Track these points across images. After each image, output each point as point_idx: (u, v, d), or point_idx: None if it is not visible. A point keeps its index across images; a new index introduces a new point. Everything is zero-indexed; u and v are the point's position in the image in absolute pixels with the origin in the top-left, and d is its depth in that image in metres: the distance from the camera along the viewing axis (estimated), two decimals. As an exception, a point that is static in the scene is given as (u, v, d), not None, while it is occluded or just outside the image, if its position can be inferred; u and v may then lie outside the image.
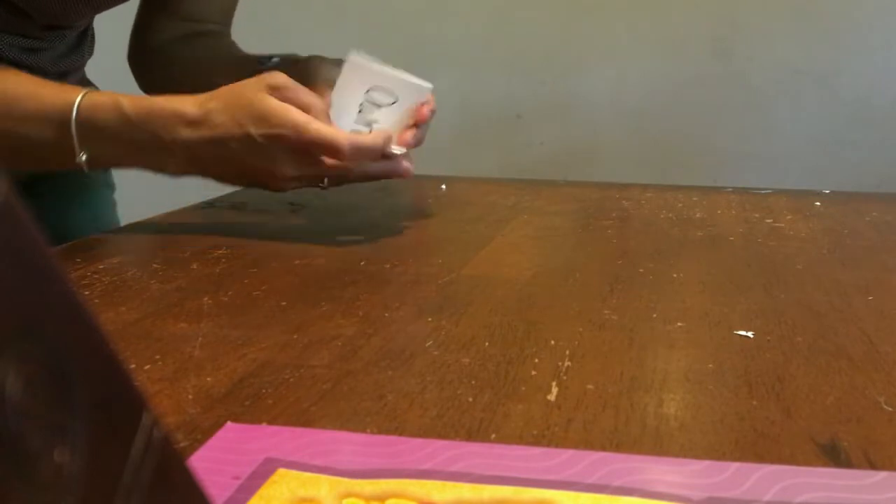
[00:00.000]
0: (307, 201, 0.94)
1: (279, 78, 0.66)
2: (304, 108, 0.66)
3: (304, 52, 0.85)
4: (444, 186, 1.01)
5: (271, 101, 0.65)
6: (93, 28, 0.89)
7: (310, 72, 0.77)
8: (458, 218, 0.86)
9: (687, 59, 2.03)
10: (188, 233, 0.78)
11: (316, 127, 0.64)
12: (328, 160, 0.67)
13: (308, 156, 0.67)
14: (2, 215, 0.16)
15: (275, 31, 1.89)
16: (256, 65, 0.82)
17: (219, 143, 0.65)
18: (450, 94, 2.16)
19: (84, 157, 0.65)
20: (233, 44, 0.94)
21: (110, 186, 0.99)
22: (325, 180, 0.71)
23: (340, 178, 0.71)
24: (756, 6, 1.98)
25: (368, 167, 0.70)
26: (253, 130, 0.65)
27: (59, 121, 0.64)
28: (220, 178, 0.71)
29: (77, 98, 0.64)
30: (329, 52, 0.85)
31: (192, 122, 0.65)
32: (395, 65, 0.78)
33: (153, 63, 0.91)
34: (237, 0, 0.94)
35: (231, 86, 0.67)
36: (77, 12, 0.76)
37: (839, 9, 1.94)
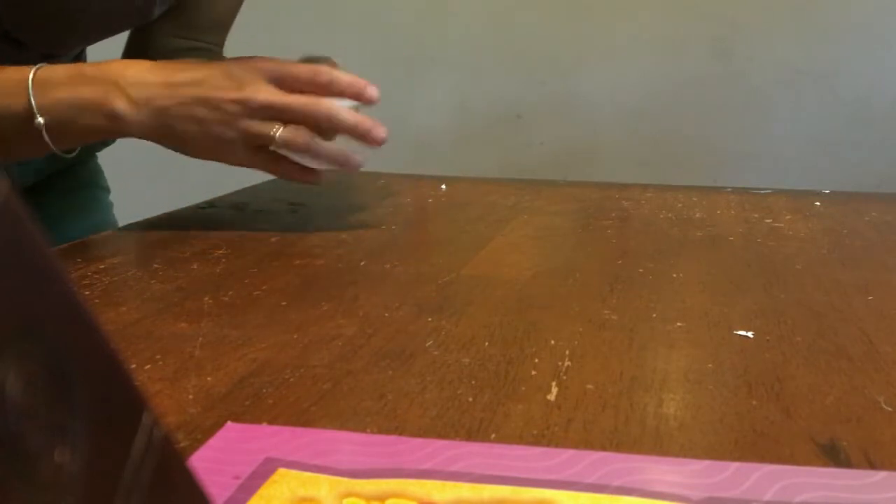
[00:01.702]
0: (307, 201, 0.94)
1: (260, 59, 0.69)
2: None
3: (302, 53, 0.85)
4: (444, 186, 1.01)
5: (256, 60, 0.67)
6: (85, 54, 0.89)
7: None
8: (458, 218, 0.86)
9: (687, 59, 2.03)
10: (188, 233, 0.78)
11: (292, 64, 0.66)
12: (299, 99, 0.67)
13: (281, 86, 0.67)
14: (2, 215, 0.16)
15: (274, 32, 1.89)
16: None
17: (185, 85, 0.65)
18: (450, 94, 2.16)
19: (41, 121, 0.64)
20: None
21: (105, 189, 0.98)
22: (278, 133, 0.68)
23: (293, 138, 0.69)
24: (756, 6, 1.98)
25: (327, 148, 0.71)
26: (231, 64, 0.66)
27: (18, 86, 0.64)
28: (173, 127, 0.68)
29: (36, 67, 0.65)
30: (328, 54, 0.85)
31: (157, 67, 0.66)
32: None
33: None
34: (231, 20, 0.93)
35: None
36: (72, 43, 0.76)
37: (839, 9, 1.95)
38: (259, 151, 0.71)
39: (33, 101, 0.64)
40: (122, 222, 0.85)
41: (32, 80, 0.64)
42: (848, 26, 1.95)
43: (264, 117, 0.68)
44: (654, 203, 0.92)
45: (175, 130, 0.68)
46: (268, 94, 0.67)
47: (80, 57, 0.86)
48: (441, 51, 2.14)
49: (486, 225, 0.82)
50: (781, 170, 2.01)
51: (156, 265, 0.66)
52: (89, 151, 0.93)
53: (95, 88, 0.65)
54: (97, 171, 0.97)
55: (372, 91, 0.72)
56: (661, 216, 0.85)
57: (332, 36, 2.10)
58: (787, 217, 0.85)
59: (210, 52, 0.94)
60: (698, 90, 2.03)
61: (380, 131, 0.72)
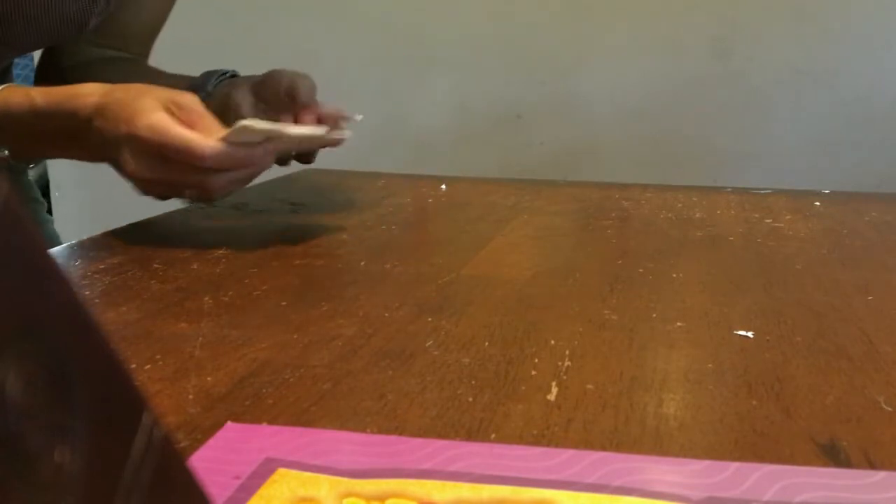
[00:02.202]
0: (307, 201, 0.94)
1: (186, 98, 0.64)
2: (197, 129, 0.63)
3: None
4: (444, 186, 1.01)
5: (149, 105, 0.61)
6: (12, 65, 0.88)
7: (282, 82, 0.74)
8: (458, 218, 0.86)
9: (687, 59, 2.03)
10: (188, 233, 0.78)
11: (176, 131, 0.61)
12: (189, 169, 0.63)
13: (164, 161, 0.62)
14: (2, 215, 0.16)
15: (275, 32, 1.89)
16: (186, 83, 0.79)
17: (103, 136, 0.63)
18: (450, 94, 2.16)
19: (6, 152, 0.66)
20: (155, 68, 0.90)
21: (41, 202, 0.98)
22: (187, 193, 0.66)
23: (202, 194, 0.66)
24: (756, 6, 1.98)
25: (232, 177, 0.65)
26: (121, 129, 0.62)
27: None
28: (113, 166, 0.66)
29: None
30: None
31: (93, 114, 0.63)
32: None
33: (67, 81, 0.80)
34: (158, 30, 0.91)
35: (145, 86, 0.65)
36: (2, 53, 0.76)
37: (839, 9, 1.95)
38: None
39: None
40: (122, 222, 0.85)
41: None
42: (848, 26, 1.95)
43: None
44: (654, 203, 0.92)
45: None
46: (149, 173, 0.64)
47: (7, 69, 0.86)
48: (441, 51, 2.14)
49: (486, 225, 0.82)
50: (781, 170, 2.01)
51: (156, 265, 0.66)
52: (19, 171, 0.91)
53: (61, 148, 0.68)
54: (30, 186, 0.97)
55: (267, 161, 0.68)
56: (661, 216, 0.85)
57: (332, 36, 2.10)
58: (787, 217, 0.85)
59: (135, 62, 0.91)
60: (698, 90, 2.03)
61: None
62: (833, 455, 0.36)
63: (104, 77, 0.71)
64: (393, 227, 0.80)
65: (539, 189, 1.01)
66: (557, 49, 2.08)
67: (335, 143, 0.73)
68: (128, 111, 0.61)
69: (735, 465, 0.35)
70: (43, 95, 0.65)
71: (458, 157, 2.16)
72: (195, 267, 0.66)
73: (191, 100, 0.64)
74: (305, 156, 0.78)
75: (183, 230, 0.79)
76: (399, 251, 0.72)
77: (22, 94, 0.65)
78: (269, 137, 0.64)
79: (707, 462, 0.35)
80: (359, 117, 0.76)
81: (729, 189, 1.01)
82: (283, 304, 0.57)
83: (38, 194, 0.97)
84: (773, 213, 0.87)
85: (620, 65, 2.06)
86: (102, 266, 0.66)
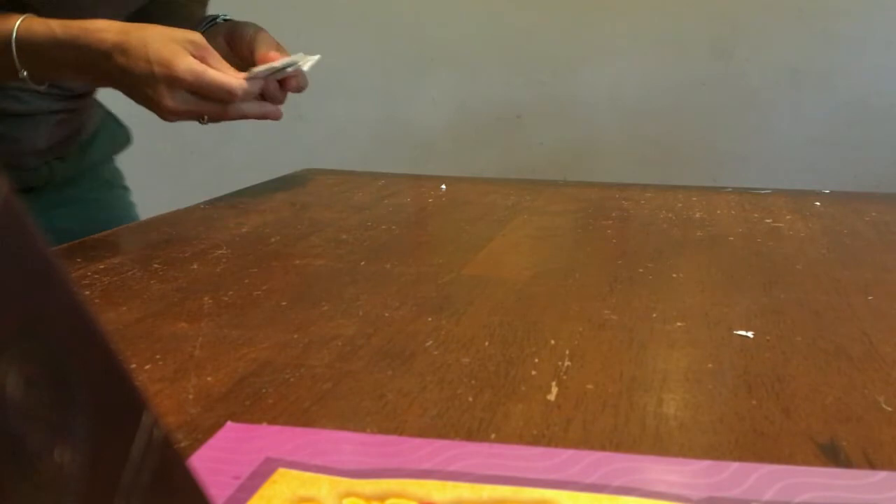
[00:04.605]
0: (307, 201, 0.94)
1: (197, 37, 0.74)
2: (210, 65, 0.74)
3: (302, 53, 0.85)
4: (444, 186, 1.01)
5: (178, 50, 0.73)
6: None
7: (245, 36, 0.85)
8: (458, 218, 0.86)
9: (687, 59, 2.03)
10: (188, 233, 0.78)
11: (213, 74, 0.73)
12: (217, 103, 0.75)
13: (200, 97, 0.74)
14: (2, 215, 0.16)
15: (274, 32, 1.89)
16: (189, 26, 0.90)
17: (127, 72, 0.72)
18: (450, 94, 2.16)
19: (25, 74, 0.73)
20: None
21: (126, 189, 1.04)
22: (206, 117, 0.78)
23: (218, 118, 0.78)
24: (756, 6, 1.98)
25: (246, 109, 0.78)
26: (156, 70, 0.72)
27: (2, 44, 0.72)
28: (129, 95, 0.76)
29: (15, 24, 0.72)
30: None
31: (112, 50, 0.72)
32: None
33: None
34: None
35: (158, 27, 0.74)
36: (80, 16, 0.80)
37: (839, 9, 1.95)
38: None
39: (16, 62, 0.72)
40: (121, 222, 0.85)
41: (15, 43, 0.72)
42: (848, 26, 1.95)
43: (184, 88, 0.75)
44: (654, 203, 0.92)
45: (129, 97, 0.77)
46: (184, 106, 0.74)
47: None
48: (441, 51, 2.14)
49: (486, 225, 0.82)
50: (781, 170, 2.01)
51: (156, 265, 0.66)
52: (108, 154, 1.01)
53: (76, 73, 0.76)
54: (118, 173, 1.04)
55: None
56: (661, 216, 0.85)
57: (332, 36, 2.10)
58: (787, 217, 0.85)
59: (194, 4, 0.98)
60: (698, 90, 2.03)
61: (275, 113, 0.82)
62: (833, 455, 0.36)
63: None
64: (393, 227, 0.80)
65: (539, 189, 1.01)
66: (557, 49, 2.08)
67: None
68: (160, 54, 0.72)
69: (735, 465, 0.35)
70: (62, 27, 0.72)
71: (458, 157, 2.16)
72: (195, 267, 0.66)
73: (200, 39, 0.75)
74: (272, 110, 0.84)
75: (183, 230, 0.79)
76: (399, 251, 0.72)
77: (43, 25, 0.72)
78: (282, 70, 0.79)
79: (707, 462, 0.35)
80: (316, 57, 0.84)
81: (729, 189, 1.01)
82: (283, 304, 0.57)
83: (125, 181, 1.04)
84: (773, 213, 0.87)
85: (620, 65, 2.06)
86: (102, 266, 0.66)
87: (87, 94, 0.93)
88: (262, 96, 0.81)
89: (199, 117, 0.78)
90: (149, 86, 0.73)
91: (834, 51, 1.96)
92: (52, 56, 0.72)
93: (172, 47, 0.72)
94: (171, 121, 0.77)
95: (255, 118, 0.81)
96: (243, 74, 0.77)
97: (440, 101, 2.16)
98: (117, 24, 0.74)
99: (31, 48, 0.72)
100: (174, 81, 0.72)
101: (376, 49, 2.14)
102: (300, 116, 2.23)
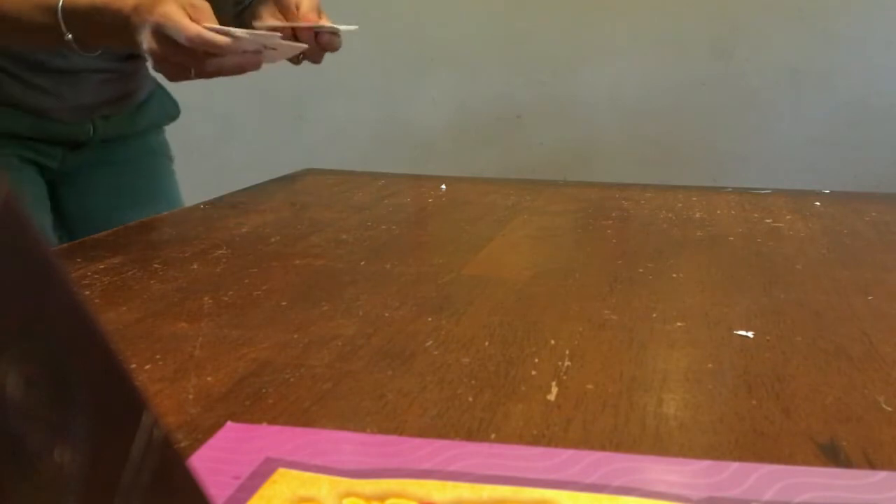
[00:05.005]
0: (307, 201, 0.94)
1: (199, 1, 0.77)
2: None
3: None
4: (444, 186, 1.01)
5: (168, 3, 0.76)
6: None
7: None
8: (458, 218, 0.86)
9: (687, 59, 2.03)
10: (188, 233, 0.78)
11: (179, 18, 0.75)
12: (187, 52, 0.77)
13: (173, 43, 0.76)
14: (2, 215, 0.16)
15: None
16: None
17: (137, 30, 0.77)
18: (450, 94, 2.16)
19: (70, 37, 0.77)
20: None
21: (170, 158, 1.10)
22: (193, 72, 0.79)
23: (199, 73, 0.80)
24: (756, 6, 1.98)
25: (226, 63, 0.80)
26: (147, 17, 0.75)
27: (49, 9, 0.77)
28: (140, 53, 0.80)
29: None
30: (328, 53, 0.87)
31: (130, 13, 0.76)
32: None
33: None
34: None
35: None
36: None
37: (839, 9, 1.95)
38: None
39: (63, 26, 0.77)
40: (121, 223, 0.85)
41: (61, 8, 0.76)
42: (848, 26, 1.95)
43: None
44: (654, 203, 0.92)
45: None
46: (175, 56, 0.76)
47: None
48: (441, 51, 2.14)
49: (486, 225, 0.82)
50: (781, 170, 2.01)
51: (156, 265, 0.66)
52: (157, 122, 1.07)
53: (111, 36, 0.78)
54: (166, 144, 1.09)
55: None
56: (661, 216, 0.85)
57: (332, 36, 2.10)
58: (787, 217, 0.85)
59: None
60: (698, 90, 2.03)
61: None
62: (833, 455, 0.36)
63: None
64: (393, 227, 0.80)
65: (539, 189, 1.01)
66: (557, 49, 2.08)
67: (331, 48, 0.86)
68: (151, 5, 0.76)
69: (735, 465, 0.35)
70: None
71: (458, 157, 2.16)
72: (195, 267, 0.66)
73: (202, 3, 0.77)
74: (311, 56, 0.87)
75: (183, 230, 0.79)
76: (399, 251, 0.72)
77: None
78: (242, 39, 0.79)
79: (707, 462, 0.35)
80: (353, 27, 0.88)
81: (729, 189, 1.01)
82: (283, 304, 0.57)
83: (171, 152, 1.10)
84: (773, 213, 0.87)
85: (620, 65, 2.06)
86: (102, 266, 0.66)
87: (134, 58, 0.97)
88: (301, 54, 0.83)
89: (183, 72, 0.79)
90: (140, 33, 0.76)
91: (834, 51, 1.96)
92: (93, 21, 0.77)
93: (173, 7, 0.76)
94: (160, 70, 0.79)
95: (232, 73, 0.82)
96: (241, 31, 0.79)
97: (440, 101, 2.16)
98: None
99: (74, 15, 0.77)
100: (154, 25, 0.75)
101: (376, 49, 2.14)
102: (300, 116, 2.23)
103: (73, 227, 0.98)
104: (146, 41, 0.76)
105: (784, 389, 0.43)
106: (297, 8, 0.88)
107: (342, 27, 0.86)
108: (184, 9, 0.77)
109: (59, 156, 0.96)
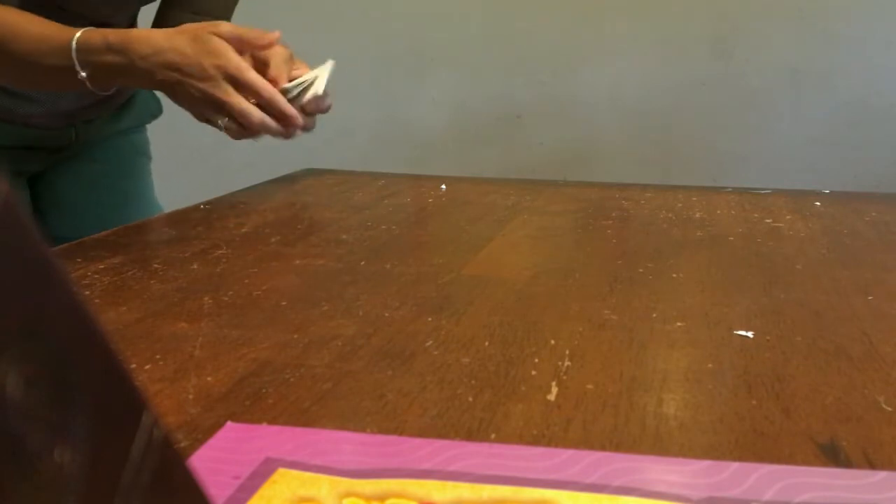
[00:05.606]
0: (307, 201, 0.94)
1: (224, 27, 0.80)
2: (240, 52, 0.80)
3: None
4: (444, 186, 1.01)
5: (222, 42, 0.79)
6: (136, 23, 1.00)
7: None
8: (458, 218, 0.86)
9: (687, 59, 2.03)
10: (188, 233, 0.78)
11: (252, 74, 0.79)
12: (247, 100, 0.80)
13: (241, 90, 0.79)
14: (2, 215, 0.16)
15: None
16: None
17: (175, 67, 0.78)
18: (450, 95, 2.16)
19: (84, 75, 0.79)
20: None
21: (149, 157, 1.10)
22: (226, 120, 0.81)
23: (241, 127, 0.82)
24: (756, 6, 1.98)
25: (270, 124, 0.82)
26: (205, 61, 0.78)
27: (63, 48, 0.78)
28: (173, 95, 0.81)
29: (77, 33, 0.78)
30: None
31: (158, 50, 0.78)
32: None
33: None
34: (233, 6, 1.04)
35: (193, 25, 0.81)
36: (107, 13, 0.89)
37: (839, 9, 1.95)
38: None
39: (76, 64, 0.78)
40: (120, 223, 0.85)
41: (75, 47, 0.78)
42: (847, 26, 1.95)
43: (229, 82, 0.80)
44: (654, 203, 0.92)
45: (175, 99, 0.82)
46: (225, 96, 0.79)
47: (132, 26, 0.99)
48: (441, 51, 2.14)
49: (486, 225, 0.82)
50: (781, 170, 2.01)
51: (156, 265, 0.66)
52: (139, 122, 1.07)
53: (126, 77, 0.81)
54: (146, 142, 1.10)
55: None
56: (661, 216, 0.85)
57: (332, 36, 2.10)
58: (787, 217, 0.85)
59: None
60: (698, 90, 2.03)
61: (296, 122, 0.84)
62: (833, 455, 0.36)
63: None
64: (393, 227, 0.80)
65: (539, 189, 1.01)
66: (557, 49, 2.08)
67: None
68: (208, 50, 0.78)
69: (735, 465, 0.35)
70: (114, 34, 0.79)
71: (458, 157, 2.16)
72: (195, 267, 0.66)
73: (226, 27, 0.80)
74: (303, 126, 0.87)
75: (183, 230, 0.79)
76: (399, 251, 0.72)
77: (99, 34, 0.79)
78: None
79: (707, 462, 0.35)
80: (329, 64, 0.86)
81: (729, 189, 1.01)
82: (283, 304, 0.57)
83: (150, 150, 1.10)
84: (773, 213, 0.87)
85: (620, 65, 2.06)
86: (102, 266, 0.66)
87: None
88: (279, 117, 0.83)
89: (227, 117, 0.80)
90: (205, 79, 0.78)
91: (834, 51, 1.96)
92: (105, 61, 0.78)
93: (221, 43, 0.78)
94: (199, 118, 0.81)
95: (275, 134, 0.84)
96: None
97: (440, 101, 2.16)
98: (154, 43, 0.79)
99: (88, 53, 0.78)
100: (227, 71, 0.77)
101: (376, 49, 2.14)
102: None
103: (51, 223, 0.98)
104: (225, 93, 0.78)
105: (784, 389, 0.43)
106: (267, 65, 0.86)
107: (315, 72, 0.85)
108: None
109: (41, 160, 0.96)
